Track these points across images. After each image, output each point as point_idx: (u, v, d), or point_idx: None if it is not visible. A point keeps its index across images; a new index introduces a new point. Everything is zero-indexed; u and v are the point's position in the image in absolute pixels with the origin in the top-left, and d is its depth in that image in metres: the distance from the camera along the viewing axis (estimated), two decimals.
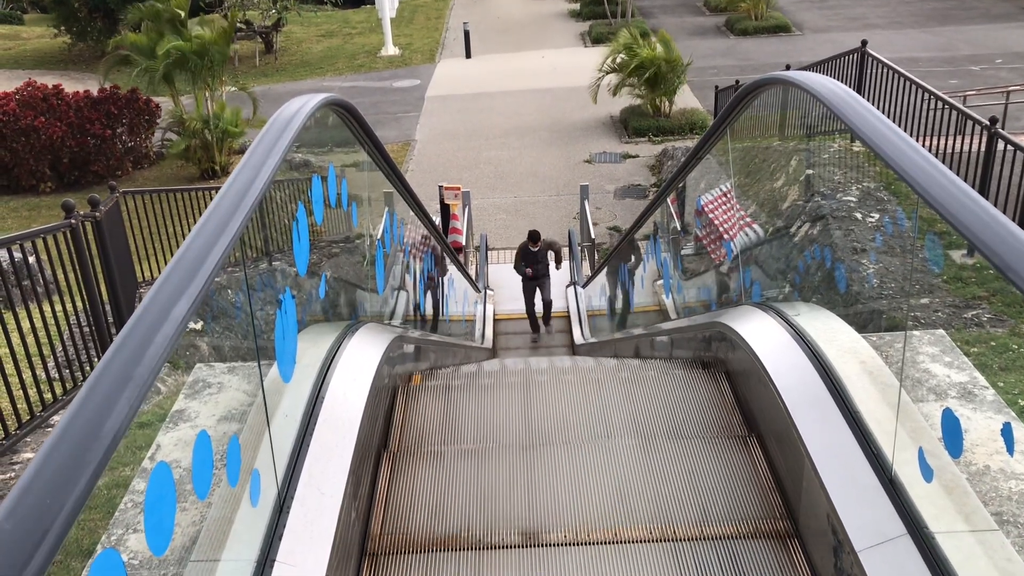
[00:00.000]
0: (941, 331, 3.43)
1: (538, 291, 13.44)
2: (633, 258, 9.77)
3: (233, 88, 20.30)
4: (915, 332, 3.43)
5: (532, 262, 13.10)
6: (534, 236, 13.09)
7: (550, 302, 13.54)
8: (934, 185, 1.92)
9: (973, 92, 16.07)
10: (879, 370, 2.81)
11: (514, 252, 13.64)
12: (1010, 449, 1.85)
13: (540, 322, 13.70)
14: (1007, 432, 1.89)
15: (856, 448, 2.50)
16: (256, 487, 2.14)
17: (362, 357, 3.30)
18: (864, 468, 2.43)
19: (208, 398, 3.18)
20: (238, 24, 29.64)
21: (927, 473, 2.22)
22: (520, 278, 13.48)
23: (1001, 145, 8.35)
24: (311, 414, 2.73)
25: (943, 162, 2.34)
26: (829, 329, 3.18)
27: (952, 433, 2.14)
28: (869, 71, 11.95)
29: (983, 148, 8.55)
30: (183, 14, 18.72)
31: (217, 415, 3.12)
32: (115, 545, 2.66)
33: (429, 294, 7.41)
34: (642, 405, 3.82)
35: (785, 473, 2.97)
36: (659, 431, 3.58)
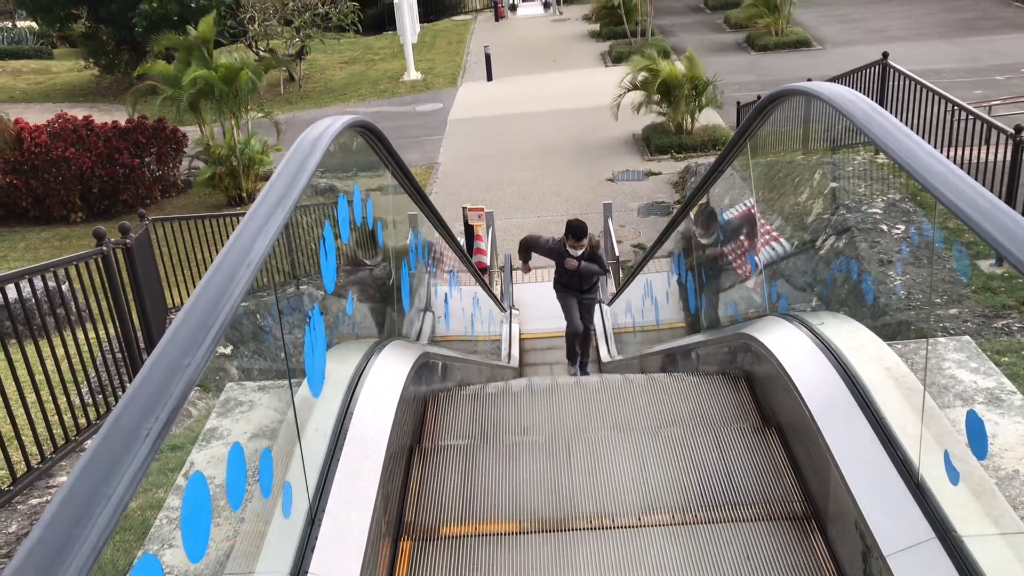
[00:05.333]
0: (967, 337, 3.42)
1: (577, 308, 9.63)
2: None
3: (259, 115, 20.58)
4: (940, 339, 3.42)
5: (569, 272, 9.03)
6: (577, 231, 8.65)
7: (590, 334, 10.13)
8: (948, 185, 1.94)
9: (998, 101, 15.97)
10: (904, 377, 2.82)
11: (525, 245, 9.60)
12: None
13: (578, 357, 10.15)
14: None
15: (882, 454, 2.50)
16: (288, 499, 2.18)
17: (390, 373, 3.35)
18: (891, 473, 2.43)
19: (240, 416, 3.23)
20: (262, 52, 30.13)
21: (953, 476, 2.22)
22: (552, 290, 9.81)
23: None
24: (341, 429, 2.77)
25: (968, 172, 2.35)
26: (854, 338, 3.18)
27: (977, 434, 2.14)
28: (891, 83, 11.93)
29: (1009, 157, 8.50)
30: (210, 41, 19.02)
31: (249, 432, 3.18)
32: None
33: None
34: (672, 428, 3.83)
35: (817, 491, 2.97)
36: (700, 500, 3.56)
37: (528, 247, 9.49)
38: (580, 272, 9.01)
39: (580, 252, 8.77)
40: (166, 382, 1.42)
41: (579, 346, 10.14)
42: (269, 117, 20.10)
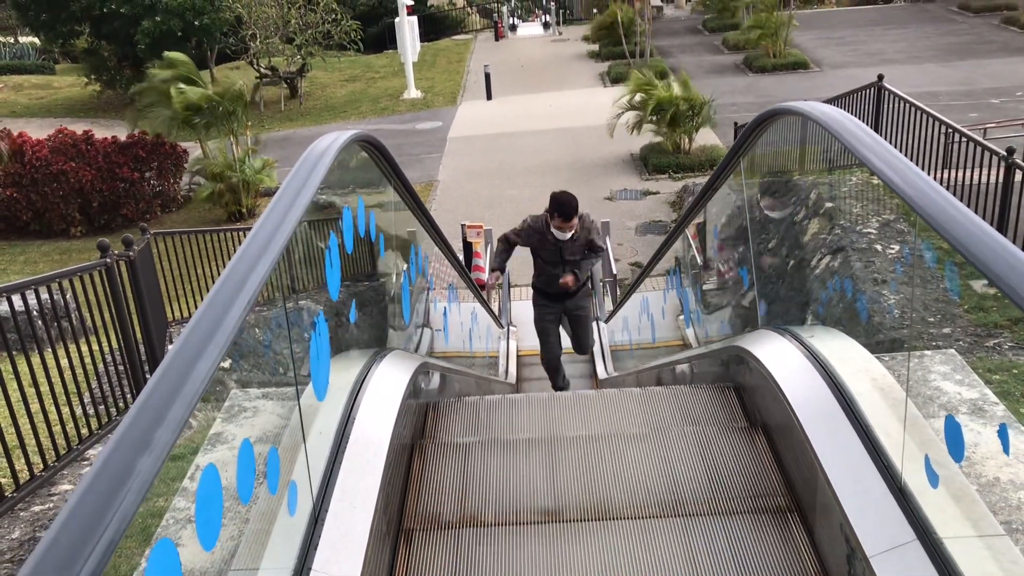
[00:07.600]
0: (952, 350, 3.52)
1: (565, 325, 7.68)
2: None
3: (251, 136, 20.83)
4: (927, 352, 3.52)
5: (553, 259, 6.83)
6: (565, 208, 6.41)
7: (588, 347, 8.07)
8: (926, 198, 2.04)
9: (993, 124, 16.12)
10: (890, 387, 2.91)
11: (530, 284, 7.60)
12: (1006, 449, 1.95)
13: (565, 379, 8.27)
14: (1003, 434, 1.99)
15: (867, 459, 2.59)
16: (293, 498, 2.26)
17: (391, 380, 3.44)
18: (875, 478, 2.52)
19: (244, 421, 3.31)
20: (263, 70, 30.33)
21: (933, 479, 2.31)
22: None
23: (1019, 176, 8.41)
24: (343, 433, 2.85)
25: (961, 194, 2.43)
26: (842, 349, 3.28)
27: (954, 438, 2.23)
28: (887, 105, 12.08)
29: (1001, 179, 8.61)
30: (189, 70, 19.30)
31: (254, 436, 3.25)
32: None
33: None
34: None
35: (807, 506, 3.05)
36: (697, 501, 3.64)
37: (507, 243, 7.13)
38: (572, 271, 6.85)
39: (570, 235, 6.54)
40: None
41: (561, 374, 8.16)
42: (255, 135, 20.34)
